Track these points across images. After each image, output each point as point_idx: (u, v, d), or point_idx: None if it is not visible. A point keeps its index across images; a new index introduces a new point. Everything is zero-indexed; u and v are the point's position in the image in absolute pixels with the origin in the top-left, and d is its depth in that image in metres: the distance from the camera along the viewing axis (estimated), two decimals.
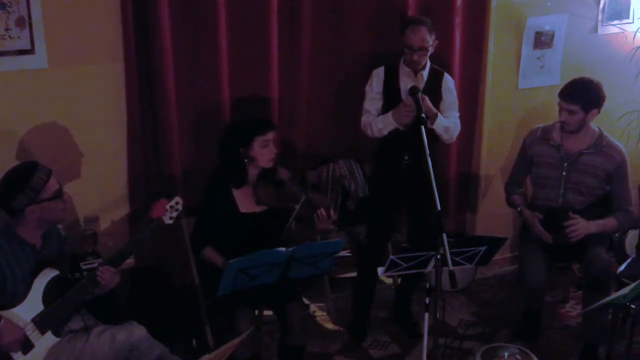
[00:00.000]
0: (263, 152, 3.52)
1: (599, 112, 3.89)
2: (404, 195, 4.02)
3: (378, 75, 3.93)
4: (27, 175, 3.03)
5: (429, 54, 3.82)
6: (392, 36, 3.94)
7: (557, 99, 3.88)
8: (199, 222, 3.62)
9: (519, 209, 4.06)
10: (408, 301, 4.27)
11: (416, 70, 3.85)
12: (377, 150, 4.05)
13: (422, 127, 3.40)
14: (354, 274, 4.30)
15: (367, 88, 3.95)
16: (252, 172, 3.57)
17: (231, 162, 3.55)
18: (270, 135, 3.53)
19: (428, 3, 4.22)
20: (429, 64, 3.88)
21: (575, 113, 3.82)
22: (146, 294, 3.82)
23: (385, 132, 3.86)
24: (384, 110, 3.91)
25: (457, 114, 4.00)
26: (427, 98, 3.76)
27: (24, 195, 3.00)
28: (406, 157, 3.90)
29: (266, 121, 3.63)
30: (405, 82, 3.87)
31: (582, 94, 3.82)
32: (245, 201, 3.57)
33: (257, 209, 3.58)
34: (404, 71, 3.89)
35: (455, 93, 3.98)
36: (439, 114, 3.82)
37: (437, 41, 3.83)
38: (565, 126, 3.87)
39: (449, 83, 3.95)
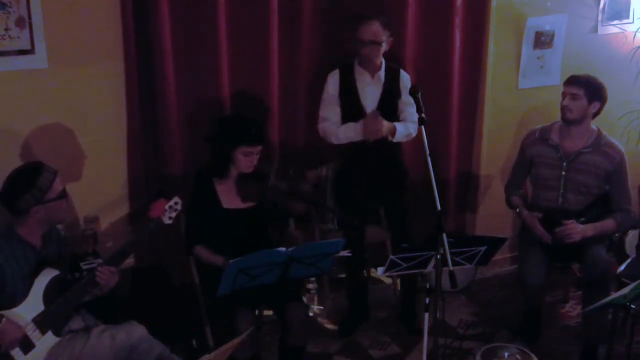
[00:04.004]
0: (243, 159, 3.52)
1: (600, 110, 3.90)
2: (372, 196, 4.04)
3: (333, 79, 3.91)
4: (33, 175, 3.04)
5: (382, 50, 3.82)
6: (392, 36, 3.93)
7: (562, 89, 3.92)
8: (186, 219, 3.61)
9: (517, 210, 4.07)
10: (412, 302, 4.27)
11: (372, 71, 3.85)
12: (342, 154, 4.04)
13: (422, 127, 3.40)
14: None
15: (324, 94, 3.93)
16: (234, 171, 3.58)
17: (215, 154, 3.57)
18: (254, 148, 3.51)
19: (428, 3, 4.22)
20: (384, 63, 3.89)
21: (578, 98, 3.84)
22: (146, 294, 3.82)
23: (352, 140, 3.87)
24: (343, 113, 3.90)
25: (414, 109, 3.96)
26: (382, 120, 3.78)
27: (31, 195, 3.01)
28: (370, 159, 3.91)
29: (256, 134, 3.54)
30: (363, 84, 3.87)
31: (587, 81, 3.87)
32: (229, 197, 3.59)
33: (241, 205, 3.59)
34: (359, 72, 3.89)
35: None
36: (396, 125, 3.83)
37: (391, 38, 3.84)
38: (567, 112, 3.86)
39: (405, 80, 3.95)
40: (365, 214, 4.17)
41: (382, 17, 3.82)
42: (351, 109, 3.89)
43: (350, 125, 3.87)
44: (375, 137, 3.80)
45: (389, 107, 3.89)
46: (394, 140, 3.87)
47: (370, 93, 3.89)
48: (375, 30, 3.76)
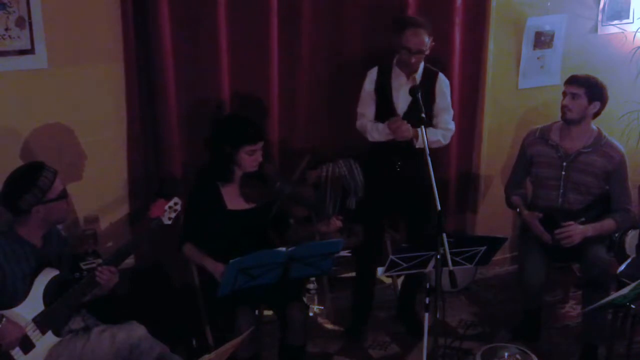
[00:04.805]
0: (248, 159, 3.50)
1: (601, 110, 3.90)
2: (396, 199, 4.01)
3: (371, 76, 3.91)
4: (34, 175, 3.04)
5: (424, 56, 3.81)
6: (391, 36, 3.93)
7: (562, 89, 3.92)
8: (184, 219, 3.59)
9: (517, 210, 4.07)
10: (412, 300, 4.27)
11: (408, 72, 3.84)
12: (369, 153, 4.04)
13: (423, 127, 3.40)
14: (354, 274, 4.30)
15: (362, 91, 3.94)
16: (238, 172, 3.58)
17: (217, 157, 3.55)
18: (257, 146, 3.50)
19: (428, 3, 4.22)
20: (422, 64, 3.86)
21: (578, 97, 3.83)
22: (146, 294, 3.82)
23: (382, 140, 3.86)
24: (377, 111, 3.90)
25: (450, 116, 3.97)
26: (407, 125, 3.74)
27: (31, 195, 3.01)
28: (399, 162, 3.90)
29: (256, 131, 3.54)
30: (398, 84, 3.86)
31: (588, 81, 3.86)
32: (233, 198, 3.58)
33: (245, 206, 3.59)
34: (396, 73, 3.87)
35: (449, 95, 3.94)
36: (419, 130, 3.72)
37: (433, 43, 3.81)
38: (566, 112, 3.86)
39: (442, 85, 3.91)
40: (386, 215, 4.16)
41: (427, 23, 3.78)
42: (384, 109, 3.87)
43: (380, 125, 3.85)
44: (403, 138, 3.77)
45: (420, 108, 3.78)
46: (417, 146, 3.79)
47: (403, 94, 3.85)
48: (422, 39, 3.72)
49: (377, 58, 3.99)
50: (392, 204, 4.06)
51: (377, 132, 3.86)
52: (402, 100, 3.86)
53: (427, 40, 3.75)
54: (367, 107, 3.93)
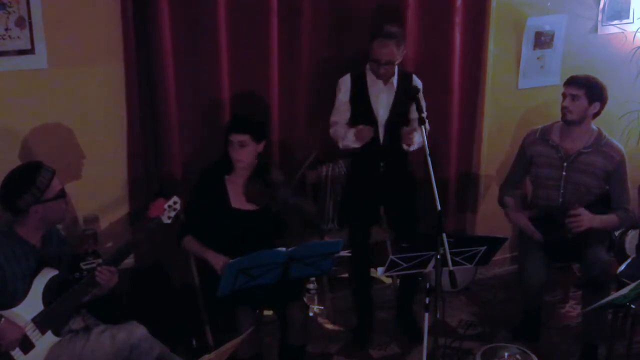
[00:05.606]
0: (231, 150, 3.54)
1: (601, 110, 3.90)
2: (380, 199, 4.03)
3: (344, 85, 3.90)
4: (32, 174, 3.04)
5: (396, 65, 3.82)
6: (405, 48, 3.93)
7: (562, 89, 3.92)
8: (185, 214, 3.58)
9: (505, 211, 4.06)
10: (409, 304, 4.26)
11: (386, 79, 3.84)
12: (353, 154, 4.03)
13: (422, 127, 3.40)
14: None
15: (336, 100, 3.93)
16: (240, 170, 3.58)
17: (224, 146, 3.61)
18: (234, 137, 3.51)
19: (428, 3, 4.22)
20: (397, 69, 3.87)
21: (578, 98, 3.83)
22: (146, 294, 3.82)
23: (358, 146, 3.86)
24: (355, 120, 3.88)
25: (425, 115, 4.00)
26: (412, 132, 3.76)
27: (30, 194, 3.01)
28: (382, 163, 3.91)
29: (238, 122, 3.59)
30: (376, 91, 3.86)
31: (588, 82, 3.87)
32: (237, 197, 3.59)
33: (247, 206, 3.59)
34: (372, 79, 3.86)
35: (422, 95, 3.94)
36: (420, 131, 3.75)
37: (405, 51, 3.83)
38: (567, 113, 3.86)
39: (417, 85, 3.91)
40: (371, 215, 4.15)
41: (399, 33, 3.78)
42: (363, 115, 3.86)
43: (350, 130, 3.85)
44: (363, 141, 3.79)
45: (401, 113, 3.87)
46: (410, 150, 3.83)
47: (382, 99, 3.86)
48: (391, 51, 3.73)
49: (344, 60, 4.00)
50: (378, 204, 4.07)
51: (351, 140, 3.85)
52: (382, 107, 3.87)
53: (397, 50, 3.76)
54: (341, 117, 3.92)
